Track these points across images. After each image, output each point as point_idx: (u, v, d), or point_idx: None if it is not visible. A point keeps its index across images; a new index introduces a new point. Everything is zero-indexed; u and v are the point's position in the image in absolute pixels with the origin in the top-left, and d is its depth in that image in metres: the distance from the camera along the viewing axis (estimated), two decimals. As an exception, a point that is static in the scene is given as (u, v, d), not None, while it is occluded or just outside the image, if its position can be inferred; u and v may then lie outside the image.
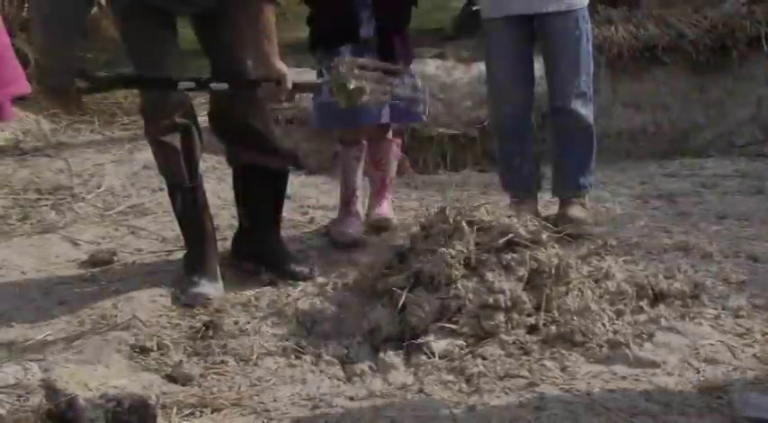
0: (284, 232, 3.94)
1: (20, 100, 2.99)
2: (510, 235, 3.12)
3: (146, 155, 5.69)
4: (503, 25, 3.97)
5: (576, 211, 3.99)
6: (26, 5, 7.30)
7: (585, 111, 4.01)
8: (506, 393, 2.72)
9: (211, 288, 3.56)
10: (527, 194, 4.13)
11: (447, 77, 6.57)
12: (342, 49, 3.83)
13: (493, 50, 4.08)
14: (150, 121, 3.53)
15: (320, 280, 3.66)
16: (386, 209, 4.18)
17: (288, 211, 4.27)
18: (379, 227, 4.07)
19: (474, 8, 8.77)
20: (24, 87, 2.61)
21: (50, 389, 2.51)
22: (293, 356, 3.03)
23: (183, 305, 3.50)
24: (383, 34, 3.89)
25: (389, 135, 4.19)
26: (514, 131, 4.10)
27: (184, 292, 3.55)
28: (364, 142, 4.13)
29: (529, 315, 3.04)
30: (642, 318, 3.13)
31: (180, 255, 3.97)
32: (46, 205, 4.83)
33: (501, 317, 2.99)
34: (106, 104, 6.89)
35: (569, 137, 4.04)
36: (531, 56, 4.07)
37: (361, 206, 4.14)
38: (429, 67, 6.74)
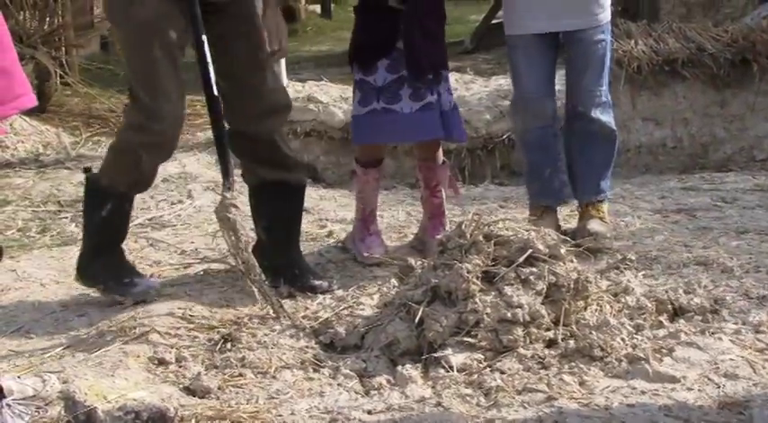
0: (303, 245, 3.96)
1: (35, 112, 3.00)
2: (529, 250, 3.12)
3: (164, 167, 5.74)
4: (530, 41, 4.05)
5: (595, 225, 4.01)
6: (47, 19, 7.39)
7: (608, 117, 4.11)
8: (524, 408, 2.71)
9: (147, 283, 3.66)
10: (556, 204, 4.22)
11: (465, 91, 6.60)
12: (378, 65, 3.94)
13: (521, 65, 4.12)
14: (141, 131, 3.48)
15: (338, 293, 3.68)
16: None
17: (306, 225, 4.29)
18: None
19: (494, 22, 8.82)
20: (32, 100, 2.63)
21: (69, 400, 2.52)
22: (311, 369, 3.03)
23: (135, 303, 3.56)
24: (412, 44, 3.93)
25: (440, 156, 4.22)
26: (543, 142, 4.16)
27: (128, 294, 3.59)
28: (383, 163, 4.19)
29: (547, 329, 3.03)
30: (662, 332, 3.12)
31: (198, 267, 3.99)
32: (66, 218, 4.87)
33: (519, 331, 2.98)
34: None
35: (592, 143, 4.11)
36: (554, 68, 4.16)
37: (377, 224, 4.18)
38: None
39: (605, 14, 4.03)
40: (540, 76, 4.10)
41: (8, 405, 2.66)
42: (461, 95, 6.46)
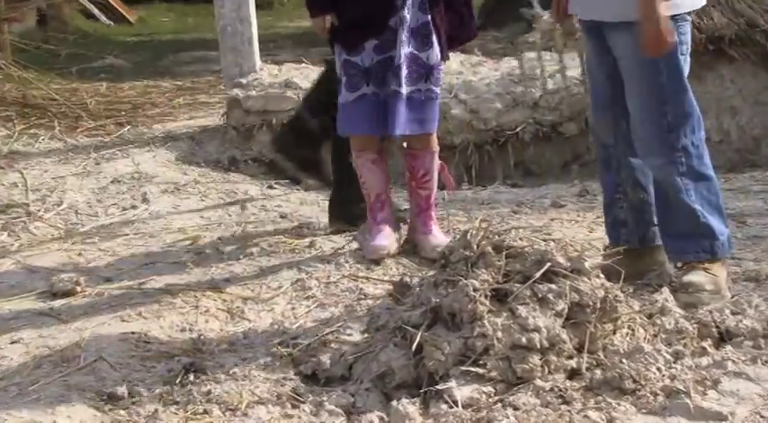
0: (280, 258, 3.98)
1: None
2: (547, 264, 3.13)
3: (114, 166, 5.75)
4: (585, 30, 3.92)
5: (693, 277, 3.69)
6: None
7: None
8: (543, 450, 2.73)
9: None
10: (617, 244, 3.85)
11: (472, 75, 6.61)
12: (365, 46, 4.06)
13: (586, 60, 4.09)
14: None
15: (322, 315, 3.69)
16: (439, 235, 4.30)
17: (284, 234, 4.32)
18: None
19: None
20: None
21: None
22: (289, 405, 3.03)
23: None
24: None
25: (434, 143, 4.32)
26: (602, 164, 3.96)
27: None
28: (383, 145, 4.33)
29: (569, 357, 3.04)
30: (705, 361, 3.13)
31: (155, 284, 4.01)
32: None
33: (536, 359, 2.99)
34: (69, 106, 6.93)
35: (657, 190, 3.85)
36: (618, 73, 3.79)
37: (390, 211, 4.33)
38: (452, 65, 6.78)
39: None
40: (596, 79, 3.91)
41: None
42: (468, 80, 6.47)
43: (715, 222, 3.68)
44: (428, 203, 4.30)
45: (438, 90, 4.24)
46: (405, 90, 4.07)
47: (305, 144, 4.80)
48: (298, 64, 7.33)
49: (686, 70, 3.70)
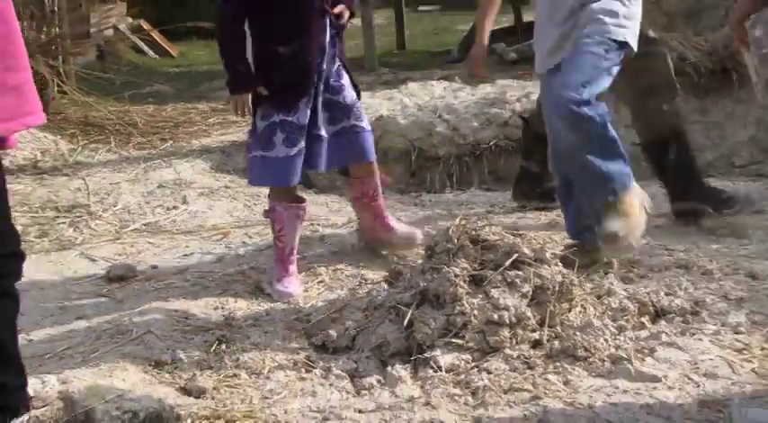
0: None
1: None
2: (515, 255, 3.14)
3: (160, 174, 5.74)
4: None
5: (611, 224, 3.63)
6: (45, 29, 7.38)
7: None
8: (510, 407, 2.73)
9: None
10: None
11: (453, 99, 6.59)
12: (299, 104, 3.68)
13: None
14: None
15: (330, 296, 3.69)
16: (402, 226, 4.16)
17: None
18: (409, 245, 4.05)
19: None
20: (41, 119, 2.65)
21: (68, 401, 2.53)
22: (303, 370, 3.04)
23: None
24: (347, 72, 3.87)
25: (376, 168, 4.03)
26: (566, 195, 3.93)
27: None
28: (307, 200, 3.97)
29: (533, 331, 3.05)
30: (644, 333, 3.14)
31: (193, 271, 4.01)
32: (63, 223, 4.87)
33: (505, 332, 3.00)
34: (122, 125, 6.93)
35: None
36: None
37: (296, 264, 3.89)
38: (436, 89, 6.79)
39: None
40: None
41: None
42: (449, 103, 6.46)
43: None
44: (381, 210, 4.08)
45: (365, 124, 3.91)
46: (325, 132, 3.77)
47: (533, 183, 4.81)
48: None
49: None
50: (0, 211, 2.51)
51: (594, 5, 3.68)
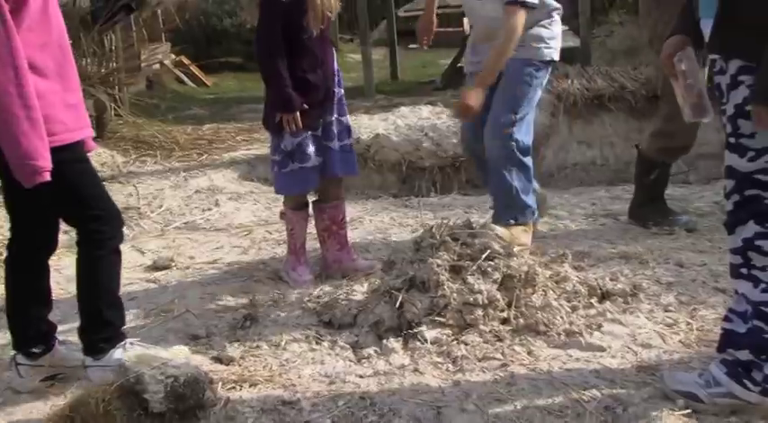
0: (309, 243, 3.95)
1: (94, 138, 3.07)
2: (488, 250, 3.13)
3: (197, 181, 5.73)
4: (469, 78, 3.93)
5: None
6: (104, 64, 7.38)
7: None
8: (483, 372, 2.73)
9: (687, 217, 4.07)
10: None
11: (437, 120, 6.59)
12: (321, 122, 3.61)
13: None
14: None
15: (336, 282, 3.68)
16: (363, 261, 3.85)
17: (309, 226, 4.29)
18: (370, 272, 3.69)
19: (458, 65, 8.83)
20: (91, 131, 2.80)
21: (122, 367, 2.52)
22: (314, 343, 3.03)
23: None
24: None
25: (343, 190, 3.89)
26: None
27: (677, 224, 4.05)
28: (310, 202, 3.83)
29: (502, 311, 3.04)
30: (592, 312, 3.13)
31: (223, 261, 3.99)
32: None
33: (479, 312, 2.99)
34: (166, 141, 6.93)
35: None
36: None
37: (306, 255, 3.80)
38: (423, 112, 6.78)
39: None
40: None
41: None
42: (434, 123, 6.46)
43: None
44: (346, 239, 3.84)
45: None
46: (336, 145, 3.65)
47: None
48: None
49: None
50: (103, 193, 2.78)
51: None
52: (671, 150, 4.26)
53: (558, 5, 3.77)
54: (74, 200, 2.66)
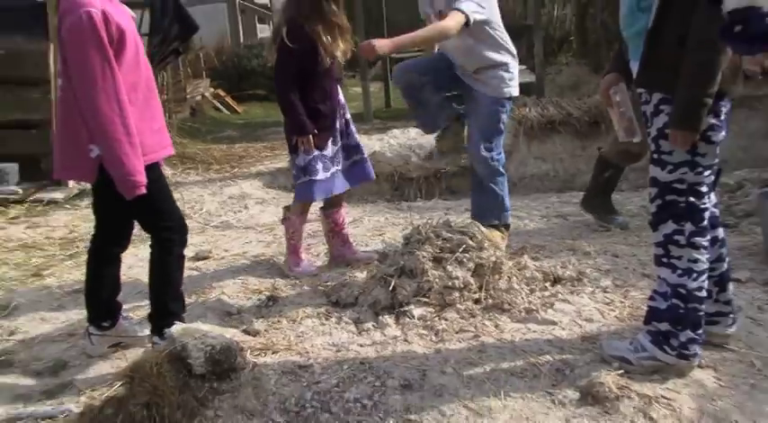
0: (314, 240, 3.93)
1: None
2: (464, 245, 3.12)
3: (230, 189, 5.71)
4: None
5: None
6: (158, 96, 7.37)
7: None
8: (460, 342, 2.71)
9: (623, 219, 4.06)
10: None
11: (423, 139, 6.59)
12: (329, 142, 3.53)
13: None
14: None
15: (341, 268, 3.66)
16: (363, 253, 3.80)
17: (313, 225, 4.28)
18: (369, 262, 3.65)
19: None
20: (172, 151, 2.78)
21: (170, 338, 2.51)
22: (324, 318, 3.02)
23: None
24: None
25: (344, 203, 3.86)
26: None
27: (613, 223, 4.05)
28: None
29: (474, 293, 3.03)
30: (546, 293, 3.13)
31: (251, 252, 3.97)
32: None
33: (456, 294, 2.98)
34: (206, 157, 6.91)
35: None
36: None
37: (304, 251, 3.75)
38: (411, 134, 6.78)
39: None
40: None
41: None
42: (420, 143, 6.45)
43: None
44: (348, 237, 3.78)
45: (366, 155, 3.72)
46: (341, 167, 3.61)
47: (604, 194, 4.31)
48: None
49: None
50: (175, 207, 2.76)
51: (487, 73, 3.58)
52: (628, 155, 4.18)
53: (514, 52, 3.71)
54: (152, 211, 2.67)
